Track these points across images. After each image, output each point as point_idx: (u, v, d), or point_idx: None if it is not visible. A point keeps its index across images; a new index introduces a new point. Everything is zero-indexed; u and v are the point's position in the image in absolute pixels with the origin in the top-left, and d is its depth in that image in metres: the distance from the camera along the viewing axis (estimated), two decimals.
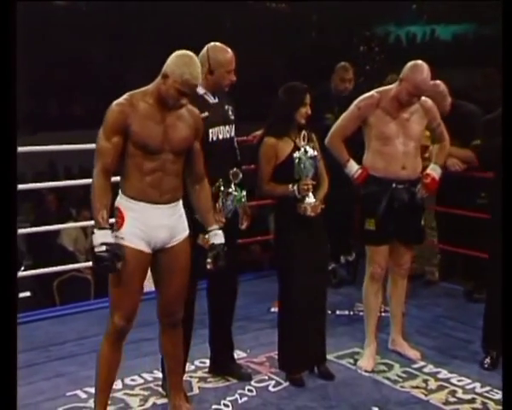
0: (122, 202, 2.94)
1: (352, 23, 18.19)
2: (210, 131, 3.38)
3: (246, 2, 17.89)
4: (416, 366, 3.84)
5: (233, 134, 3.53)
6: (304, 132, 3.51)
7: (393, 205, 3.73)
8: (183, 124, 2.96)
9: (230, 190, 3.36)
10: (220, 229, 3.20)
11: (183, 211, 3.05)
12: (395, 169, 3.72)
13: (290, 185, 3.48)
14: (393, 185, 3.73)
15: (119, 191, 2.96)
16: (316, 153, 3.50)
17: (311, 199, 3.48)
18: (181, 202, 3.04)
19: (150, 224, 2.92)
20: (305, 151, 3.45)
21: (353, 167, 3.77)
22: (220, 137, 3.44)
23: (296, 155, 3.46)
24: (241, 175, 3.39)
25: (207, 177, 3.27)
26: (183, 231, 3.04)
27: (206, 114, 3.37)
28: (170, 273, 3.02)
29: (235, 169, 3.39)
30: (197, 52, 3.42)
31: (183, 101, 2.88)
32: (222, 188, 3.35)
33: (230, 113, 3.52)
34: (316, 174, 3.54)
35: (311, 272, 3.57)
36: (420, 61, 3.69)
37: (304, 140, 3.49)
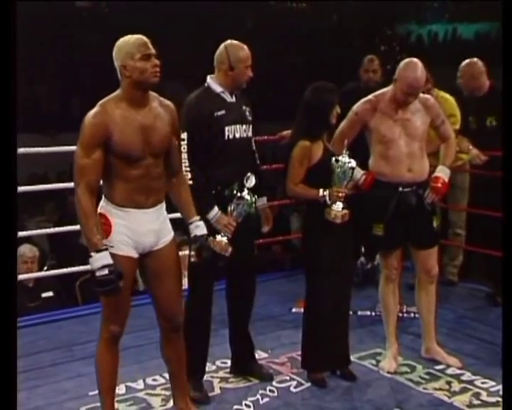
0: (107, 208, 2.88)
1: (373, 22, 18.10)
2: (226, 128, 3.38)
3: (267, 2, 17.87)
4: (438, 367, 3.81)
5: (250, 134, 3.52)
6: (347, 141, 3.50)
7: (401, 209, 3.67)
8: (160, 123, 2.89)
9: (243, 194, 3.35)
10: (234, 231, 3.22)
11: (166, 214, 3.01)
12: (401, 172, 3.65)
13: (321, 190, 3.47)
14: (400, 189, 3.67)
15: (103, 196, 2.90)
16: (355, 163, 3.48)
17: (339, 207, 3.47)
18: (164, 204, 2.99)
19: (138, 230, 2.88)
20: (349, 160, 3.43)
21: (358, 173, 3.70)
22: (237, 135, 3.43)
23: (338, 162, 3.43)
24: (254, 180, 3.37)
25: (223, 177, 3.26)
26: (169, 234, 3.01)
27: (223, 111, 3.38)
28: (159, 277, 2.99)
29: (248, 174, 3.38)
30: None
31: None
32: (235, 192, 3.34)
33: (248, 113, 3.52)
34: (348, 183, 3.52)
35: (338, 273, 3.57)
36: (413, 59, 3.64)
37: (347, 149, 3.47)
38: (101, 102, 2.84)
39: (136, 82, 2.81)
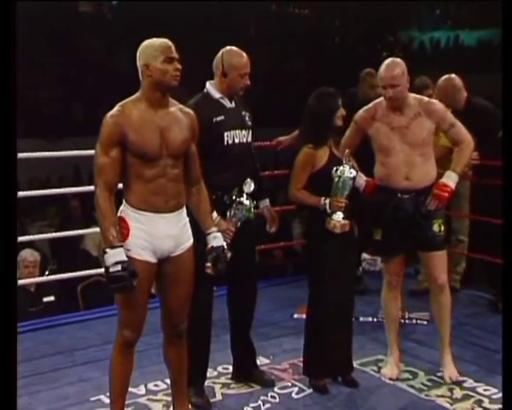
0: (127, 211, 2.88)
1: (376, 29, 18.14)
2: (225, 134, 3.39)
3: (269, 8, 17.92)
4: (441, 374, 3.79)
5: (250, 139, 3.52)
6: (348, 151, 3.50)
7: (398, 216, 3.65)
8: (179, 126, 2.91)
9: (242, 199, 3.35)
10: (234, 236, 3.22)
11: (187, 219, 3.00)
12: (398, 180, 3.64)
13: (322, 198, 3.47)
14: (398, 195, 3.66)
15: (123, 200, 2.91)
16: (355, 173, 3.48)
17: (339, 216, 3.47)
18: (185, 209, 2.99)
19: (156, 234, 2.87)
20: (349, 170, 3.44)
21: (361, 179, 3.69)
22: (236, 140, 3.43)
23: (337, 172, 3.44)
24: (253, 185, 3.37)
25: (223, 182, 3.26)
26: (188, 240, 2.99)
27: (222, 117, 3.38)
28: (175, 283, 2.98)
29: (247, 179, 3.38)
30: None
31: None
32: (234, 197, 3.34)
33: (247, 118, 3.52)
34: (350, 193, 3.51)
35: (341, 279, 3.57)
36: (394, 59, 3.66)
37: (349, 159, 3.47)
38: (121, 102, 2.89)
39: (157, 83, 2.85)
